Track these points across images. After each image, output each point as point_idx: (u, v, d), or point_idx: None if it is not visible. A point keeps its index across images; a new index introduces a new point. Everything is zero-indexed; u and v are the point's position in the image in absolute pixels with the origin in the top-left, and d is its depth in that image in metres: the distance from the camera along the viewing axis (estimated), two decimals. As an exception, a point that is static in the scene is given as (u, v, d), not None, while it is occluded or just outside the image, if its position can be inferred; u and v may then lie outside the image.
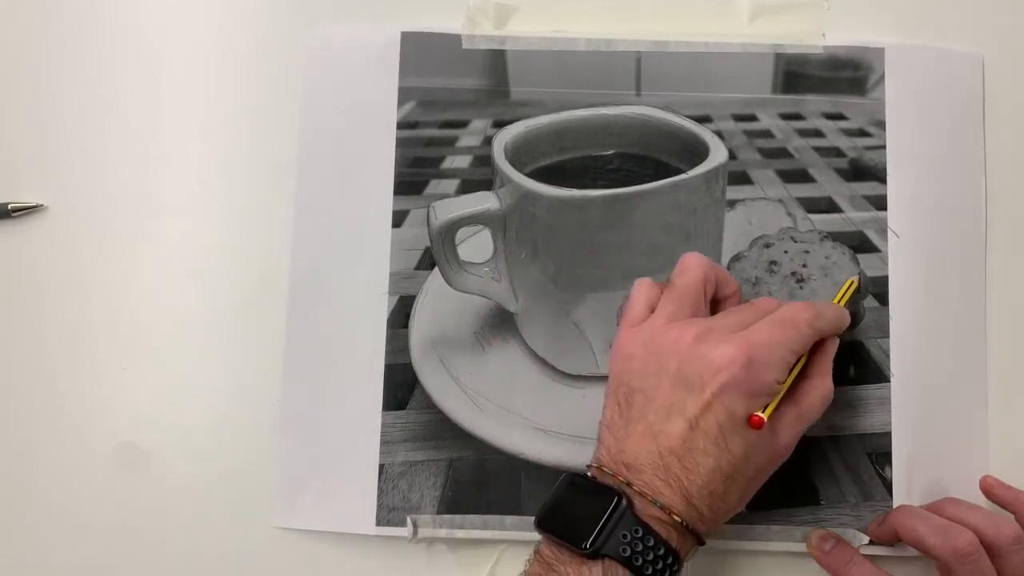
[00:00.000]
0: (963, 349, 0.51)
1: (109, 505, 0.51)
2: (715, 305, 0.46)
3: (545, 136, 0.52)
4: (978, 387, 0.51)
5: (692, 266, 0.44)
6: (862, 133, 0.52)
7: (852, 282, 0.49)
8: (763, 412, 0.41)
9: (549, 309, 0.50)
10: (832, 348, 0.45)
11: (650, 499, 0.40)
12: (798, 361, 0.43)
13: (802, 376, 0.44)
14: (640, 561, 0.39)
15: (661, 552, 0.39)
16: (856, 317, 0.50)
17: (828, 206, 0.52)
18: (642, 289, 0.45)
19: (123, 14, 0.54)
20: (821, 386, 0.44)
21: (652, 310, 0.44)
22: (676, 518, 0.40)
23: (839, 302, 0.47)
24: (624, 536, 0.39)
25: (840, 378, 0.50)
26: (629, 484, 0.40)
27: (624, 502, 0.40)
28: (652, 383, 0.42)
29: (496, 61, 0.53)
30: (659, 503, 0.40)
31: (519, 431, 0.50)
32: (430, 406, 0.50)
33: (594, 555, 0.39)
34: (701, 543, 0.41)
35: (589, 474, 0.42)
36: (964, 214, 0.52)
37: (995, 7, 0.54)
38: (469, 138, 0.53)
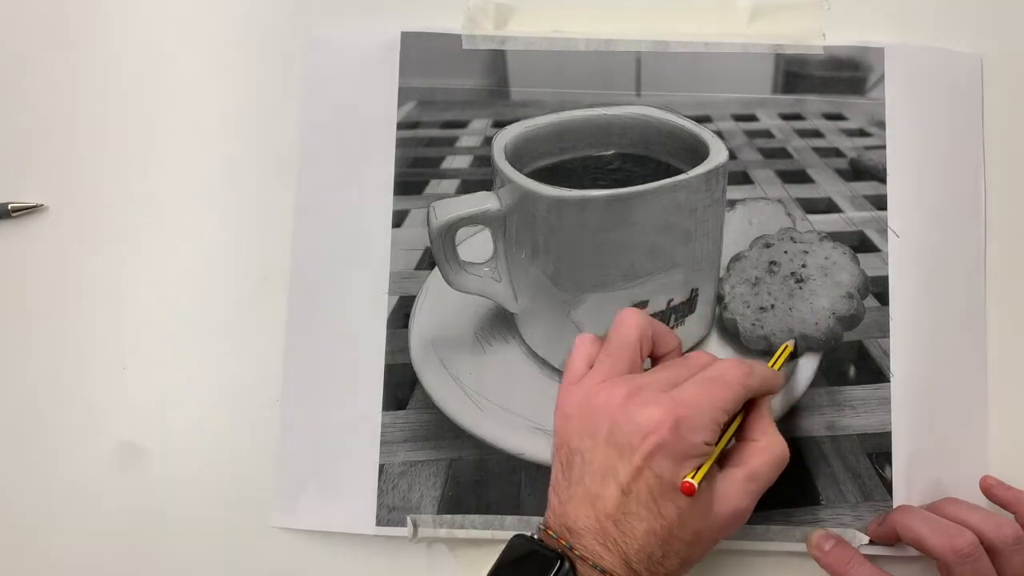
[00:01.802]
0: (963, 349, 0.51)
1: (109, 505, 0.51)
2: (656, 362, 0.46)
3: (545, 136, 0.52)
4: (978, 387, 0.51)
5: (628, 322, 0.44)
6: (862, 133, 0.52)
7: (787, 347, 0.49)
8: (693, 477, 0.40)
9: (549, 309, 0.50)
10: (766, 407, 0.45)
11: (591, 563, 0.40)
12: (733, 420, 0.43)
13: (745, 438, 0.44)
14: None
15: None
16: (856, 317, 0.50)
17: (828, 206, 0.52)
18: (583, 345, 0.45)
19: (123, 14, 0.54)
20: (768, 447, 0.43)
21: (591, 365, 0.44)
22: None
23: (774, 365, 0.47)
24: None
25: (840, 378, 0.50)
26: (571, 548, 0.41)
27: (567, 565, 0.40)
28: (588, 445, 0.42)
29: (496, 61, 0.53)
30: (599, 567, 0.40)
31: (519, 431, 0.50)
32: (430, 406, 0.50)
33: None
34: None
35: (537, 536, 0.42)
36: (964, 214, 0.52)
37: (995, 7, 0.54)
38: (469, 138, 0.52)
